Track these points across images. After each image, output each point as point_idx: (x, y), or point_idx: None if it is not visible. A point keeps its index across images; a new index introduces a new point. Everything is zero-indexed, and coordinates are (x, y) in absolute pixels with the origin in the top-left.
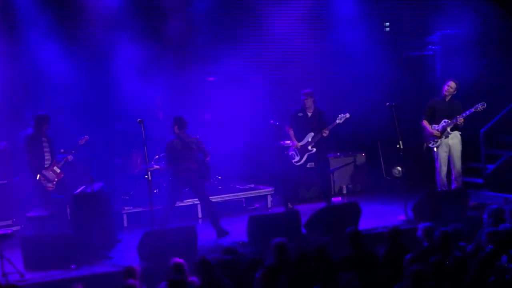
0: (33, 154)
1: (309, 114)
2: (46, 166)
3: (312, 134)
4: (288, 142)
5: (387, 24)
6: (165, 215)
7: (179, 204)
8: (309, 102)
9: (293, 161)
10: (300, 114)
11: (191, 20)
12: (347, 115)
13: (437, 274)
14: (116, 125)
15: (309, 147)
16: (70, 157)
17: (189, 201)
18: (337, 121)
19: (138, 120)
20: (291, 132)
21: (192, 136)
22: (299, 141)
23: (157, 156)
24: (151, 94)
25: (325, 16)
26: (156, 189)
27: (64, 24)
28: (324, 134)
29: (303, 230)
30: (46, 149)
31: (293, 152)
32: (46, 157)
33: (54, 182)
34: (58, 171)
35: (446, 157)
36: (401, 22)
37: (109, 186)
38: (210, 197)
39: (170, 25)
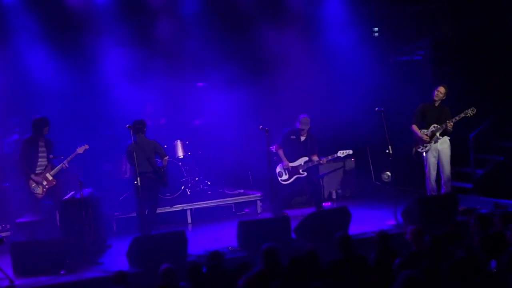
0: (26, 158)
1: (302, 139)
2: (39, 171)
3: (306, 159)
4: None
5: (376, 29)
6: (142, 224)
7: (168, 209)
8: (303, 125)
9: (280, 178)
10: (293, 137)
11: (181, 27)
12: (350, 151)
13: (428, 279)
14: (105, 131)
15: (300, 171)
16: (65, 165)
17: (178, 207)
18: (339, 154)
19: (128, 125)
20: (281, 152)
21: (149, 139)
22: (290, 162)
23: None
24: (140, 100)
25: (315, 22)
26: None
27: (52, 30)
28: (322, 163)
29: (293, 235)
30: (42, 154)
31: (281, 170)
32: (42, 162)
33: (45, 189)
34: (51, 178)
35: (436, 162)
36: (389, 27)
37: (99, 192)
38: (199, 203)
39: (159, 32)
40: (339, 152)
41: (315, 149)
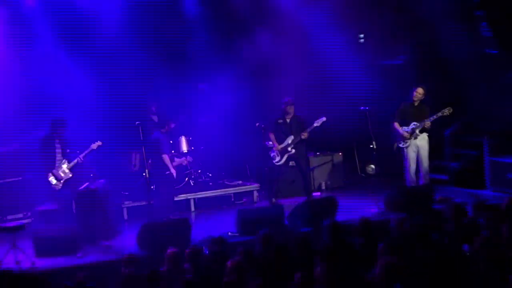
0: (45, 153)
1: (288, 120)
2: (57, 164)
3: (292, 137)
4: (271, 143)
5: (361, 36)
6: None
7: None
8: (288, 109)
9: (274, 161)
10: (280, 121)
11: (185, 34)
12: (324, 118)
13: (407, 262)
14: (116, 128)
15: (289, 149)
16: (80, 160)
17: (182, 196)
18: (315, 124)
19: (137, 123)
20: (272, 136)
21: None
22: (279, 144)
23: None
24: (149, 99)
25: (307, 29)
26: (153, 185)
27: (69, 35)
28: (303, 137)
29: (286, 222)
30: (58, 150)
31: (274, 154)
32: (59, 157)
33: (62, 181)
34: (67, 171)
35: (415, 156)
36: (373, 34)
37: (111, 183)
38: (202, 193)
39: (165, 36)
40: (315, 122)
41: (303, 127)
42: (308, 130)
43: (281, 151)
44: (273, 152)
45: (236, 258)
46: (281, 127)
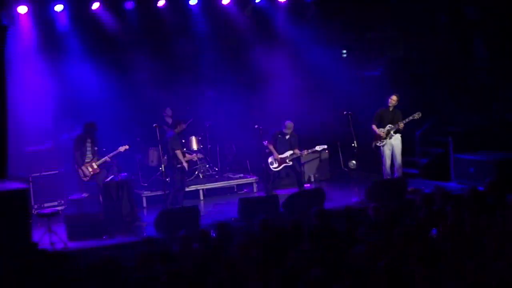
0: (78, 151)
1: (287, 137)
2: (87, 161)
3: (291, 152)
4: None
5: (344, 51)
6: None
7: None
8: (288, 130)
9: (271, 167)
10: (280, 136)
11: (194, 49)
12: (325, 146)
13: (384, 244)
14: (136, 128)
15: (287, 161)
16: (108, 159)
17: (192, 187)
18: (316, 148)
19: (154, 125)
20: (271, 147)
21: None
22: (279, 154)
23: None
24: (164, 104)
25: (298, 45)
26: (168, 178)
27: (95, 49)
28: (304, 154)
29: (281, 209)
30: (89, 148)
31: (272, 161)
32: (89, 154)
33: (91, 175)
34: (96, 167)
35: (390, 154)
36: (354, 50)
37: (132, 176)
38: (209, 184)
39: (178, 50)
40: (316, 146)
41: (297, 144)
42: (310, 151)
43: (280, 161)
44: (272, 158)
45: (240, 239)
46: (280, 141)
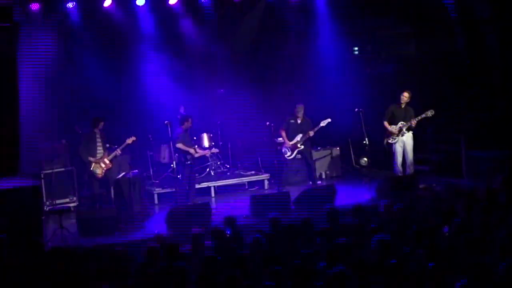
0: (87, 147)
1: (299, 121)
2: (98, 157)
3: (301, 135)
4: (280, 139)
5: (356, 48)
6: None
7: (197, 186)
8: (299, 113)
9: (285, 155)
10: (292, 121)
11: (206, 48)
12: (329, 120)
13: (396, 241)
14: (149, 125)
15: (299, 145)
16: (118, 152)
17: (204, 184)
18: (321, 125)
19: (166, 122)
20: (284, 134)
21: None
22: (290, 141)
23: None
24: (177, 102)
25: (310, 43)
26: (179, 175)
27: (106, 45)
28: (310, 135)
29: (292, 207)
30: (99, 144)
31: (285, 149)
32: (99, 151)
33: (103, 171)
34: (107, 162)
35: (402, 151)
36: (366, 47)
37: (144, 172)
38: (221, 181)
39: (192, 51)
40: (321, 122)
41: (310, 127)
42: (316, 129)
43: (292, 147)
44: (284, 147)
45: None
46: (292, 126)
